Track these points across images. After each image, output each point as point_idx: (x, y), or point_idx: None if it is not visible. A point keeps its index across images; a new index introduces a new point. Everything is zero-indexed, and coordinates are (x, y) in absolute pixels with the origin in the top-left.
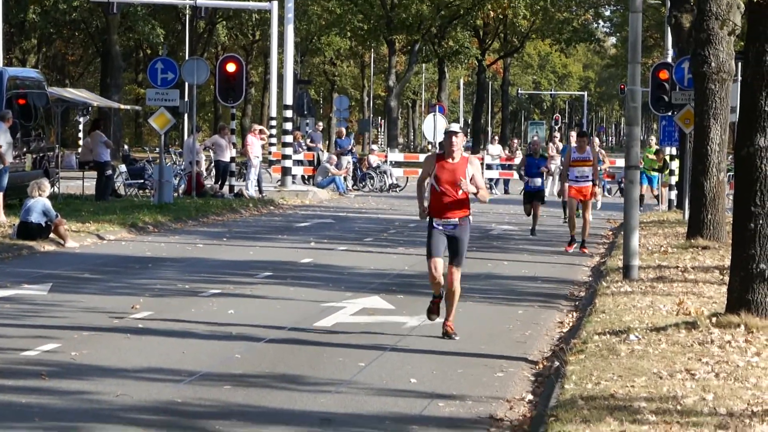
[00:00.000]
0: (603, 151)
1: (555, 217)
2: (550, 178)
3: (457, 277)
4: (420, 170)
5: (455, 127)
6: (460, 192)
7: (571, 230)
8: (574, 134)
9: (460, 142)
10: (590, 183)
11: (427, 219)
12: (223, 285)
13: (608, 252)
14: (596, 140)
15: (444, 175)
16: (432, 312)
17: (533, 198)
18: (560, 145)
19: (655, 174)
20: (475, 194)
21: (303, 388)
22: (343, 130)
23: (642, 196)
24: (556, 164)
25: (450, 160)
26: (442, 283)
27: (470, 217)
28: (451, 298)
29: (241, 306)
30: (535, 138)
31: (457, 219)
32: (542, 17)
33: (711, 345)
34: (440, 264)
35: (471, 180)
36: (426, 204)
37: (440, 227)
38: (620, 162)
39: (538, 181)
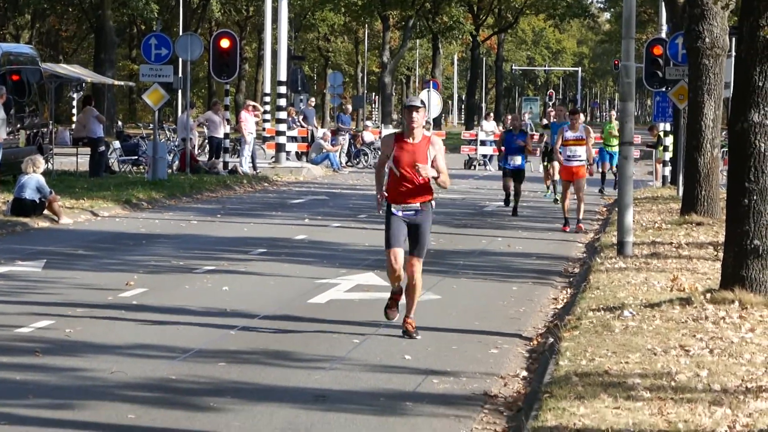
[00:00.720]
0: (589, 128)
1: (541, 191)
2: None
3: (419, 270)
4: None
5: (416, 101)
6: (421, 177)
7: (565, 212)
8: (552, 111)
9: (421, 118)
10: (583, 163)
11: (385, 206)
12: (218, 262)
13: (602, 228)
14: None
15: (404, 157)
16: (390, 309)
17: (513, 178)
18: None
19: (615, 150)
20: (436, 179)
21: (297, 364)
22: (349, 107)
23: (603, 174)
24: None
25: (410, 140)
26: (403, 277)
27: (433, 202)
28: (412, 293)
29: (236, 283)
30: (526, 114)
31: (418, 204)
32: None
33: (705, 321)
34: (401, 255)
35: (432, 163)
36: (384, 189)
37: (399, 213)
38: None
39: (519, 159)
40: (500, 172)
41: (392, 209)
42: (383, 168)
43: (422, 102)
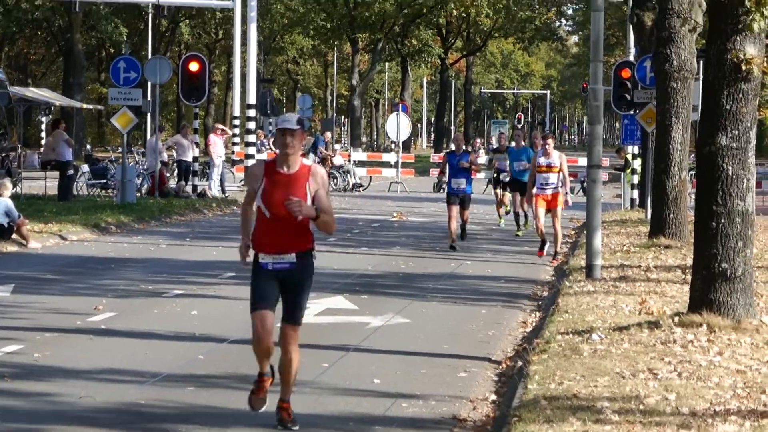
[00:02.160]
0: (563, 154)
1: (491, 213)
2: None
3: (295, 342)
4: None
5: (290, 121)
6: (299, 216)
7: (540, 234)
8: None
9: (297, 143)
10: (557, 191)
11: (251, 258)
12: (186, 286)
13: (571, 251)
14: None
15: (276, 193)
16: (256, 395)
17: (459, 204)
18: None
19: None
20: (315, 219)
21: None
22: (328, 134)
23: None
24: (482, 161)
25: (284, 170)
26: (272, 351)
27: (315, 252)
28: (287, 370)
29: (205, 307)
30: (493, 137)
31: (293, 255)
32: (505, 16)
33: (673, 344)
34: (270, 319)
35: (313, 200)
36: (250, 236)
37: (269, 266)
38: (582, 161)
39: (463, 182)
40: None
41: (260, 260)
42: (250, 207)
43: (300, 122)
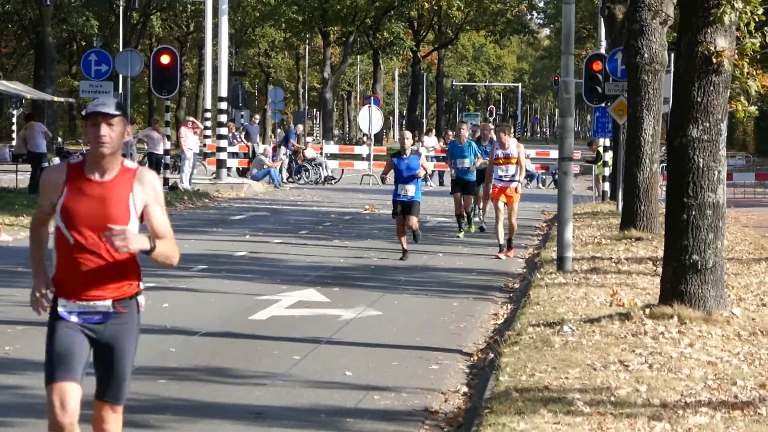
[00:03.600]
0: (521, 144)
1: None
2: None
3: (114, 425)
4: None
5: (108, 105)
6: (123, 251)
7: (498, 237)
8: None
9: (117, 137)
10: (516, 184)
11: (48, 304)
12: (158, 278)
13: (542, 244)
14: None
15: (82, 208)
16: None
17: (406, 211)
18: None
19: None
20: (148, 253)
21: (238, 381)
22: (300, 126)
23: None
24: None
25: (96, 176)
26: None
27: (140, 298)
28: None
29: (176, 299)
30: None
31: (109, 302)
32: (476, 9)
33: (644, 336)
34: (73, 395)
35: (143, 217)
36: (50, 273)
37: (73, 318)
38: (554, 153)
39: (411, 189)
40: (441, 188)
41: (59, 310)
42: (42, 227)
43: (119, 107)
